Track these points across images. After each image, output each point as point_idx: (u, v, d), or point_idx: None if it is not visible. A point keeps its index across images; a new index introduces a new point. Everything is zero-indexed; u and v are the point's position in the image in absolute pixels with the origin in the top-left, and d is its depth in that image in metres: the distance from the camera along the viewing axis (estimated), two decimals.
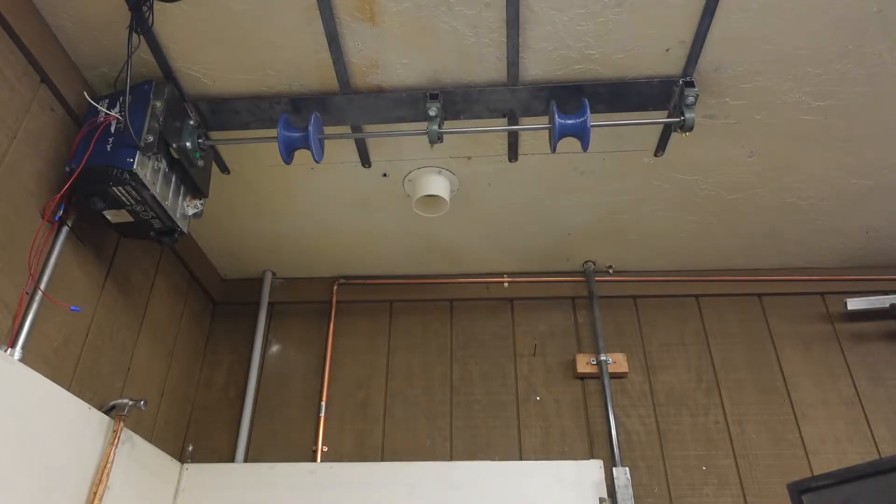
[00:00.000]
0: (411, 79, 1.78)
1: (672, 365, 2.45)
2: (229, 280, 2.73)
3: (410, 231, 2.42)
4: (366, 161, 2.07)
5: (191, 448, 2.36)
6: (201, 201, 1.89)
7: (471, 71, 1.76)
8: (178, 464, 2.24)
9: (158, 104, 1.67)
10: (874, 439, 2.26)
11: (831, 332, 2.49)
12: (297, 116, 1.84)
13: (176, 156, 1.74)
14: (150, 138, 1.62)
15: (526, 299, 2.62)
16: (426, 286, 2.66)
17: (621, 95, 1.79)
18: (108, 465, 1.73)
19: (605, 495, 2.11)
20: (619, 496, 2.08)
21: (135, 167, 1.57)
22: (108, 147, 1.59)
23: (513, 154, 2.03)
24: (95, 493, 1.68)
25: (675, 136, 1.90)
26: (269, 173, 2.12)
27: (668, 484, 2.22)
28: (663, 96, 1.78)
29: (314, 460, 2.30)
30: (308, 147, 1.70)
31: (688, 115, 1.72)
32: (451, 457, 2.30)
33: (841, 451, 2.25)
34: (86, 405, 1.72)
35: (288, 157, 1.73)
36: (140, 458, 1.96)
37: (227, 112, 1.85)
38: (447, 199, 2.10)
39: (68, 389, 1.67)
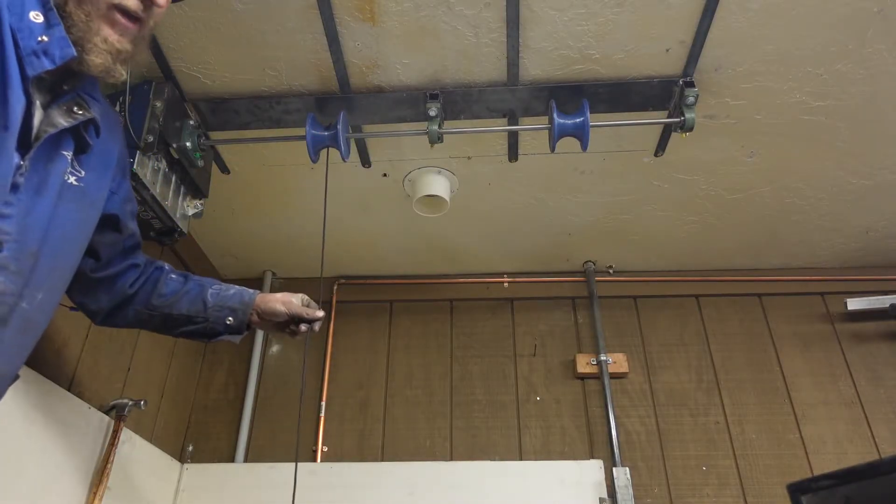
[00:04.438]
0: (411, 79, 1.78)
1: (672, 365, 2.45)
2: (229, 280, 2.72)
3: (410, 231, 2.42)
4: (366, 161, 2.07)
5: (191, 448, 2.36)
6: (201, 201, 1.89)
7: (471, 71, 1.76)
8: (178, 464, 2.24)
9: (158, 104, 1.67)
10: (874, 439, 2.26)
11: (831, 332, 2.49)
12: (298, 116, 1.84)
13: (176, 156, 1.74)
14: (150, 138, 1.62)
15: (526, 299, 2.62)
16: (426, 286, 2.66)
17: (621, 95, 1.79)
18: (108, 465, 1.73)
19: (605, 495, 2.11)
20: (619, 496, 2.08)
21: (135, 167, 1.57)
22: None
23: (513, 154, 2.03)
24: (95, 493, 1.68)
25: (675, 136, 1.90)
26: (269, 173, 2.12)
27: (668, 484, 2.22)
28: (663, 96, 1.78)
29: (314, 460, 2.30)
30: (336, 146, 1.71)
31: (688, 115, 1.72)
32: (451, 457, 2.30)
33: (841, 451, 2.24)
34: (86, 405, 1.72)
35: (315, 156, 1.76)
36: (140, 458, 1.96)
37: (227, 112, 1.85)
38: (447, 199, 2.10)
39: (68, 389, 1.67)
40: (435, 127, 1.76)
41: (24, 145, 0.94)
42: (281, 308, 1.36)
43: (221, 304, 1.35)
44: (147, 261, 1.37)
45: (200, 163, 1.82)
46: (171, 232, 1.80)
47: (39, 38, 0.92)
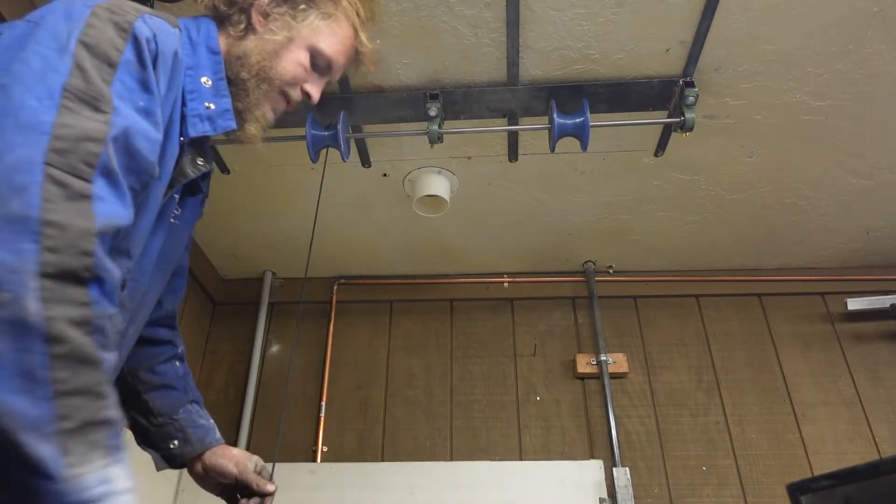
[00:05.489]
0: (411, 79, 1.78)
1: (672, 365, 2.45)
2: (229, 280, 2.73)
3: (410, 231, 2.42)
4: (366, 161, 2.07)
5: None
6: None
7: (471, 71, 1.76)
8: None
9: None
10: (874, 439, 2.26)
11: (831, 332, 2.49)
12: (298, 116, 1.83)
13: None
14: None
15: (526, 299, 2.62)
16: (426, 286, 2.66)
17: (621, 95, 1.79)
18: None
19: (605, 495, 2.11)
20: (619, 496, 2.08)
21: None
22: None
23: (513, 154, 2.03)
24: None
25: (675, 136, 1.90)
26: (269, 173, 2.12)
27: (668, 484, 2.22)
28: (663, 96, 1.78)
29: (314, 460, 2.30)
30: (337, 146, 1.72)
31: (688, 115, 1.72)
32: (451, 457, 2.30)
33: (841, 451, 2.24)
34: None
35: (315, 156, 1.77)
36: (140, 458, 1.96)
37: None
38: (447, 199, 2.10)
39: None
40: (435, 127, 1.76)
41: None
42: (232, 469, 1.18)
43: (182, 426, 1.22)
44: (170, 321, 1.28)
45: None
46: None
47: (206, 104, 0.95)
